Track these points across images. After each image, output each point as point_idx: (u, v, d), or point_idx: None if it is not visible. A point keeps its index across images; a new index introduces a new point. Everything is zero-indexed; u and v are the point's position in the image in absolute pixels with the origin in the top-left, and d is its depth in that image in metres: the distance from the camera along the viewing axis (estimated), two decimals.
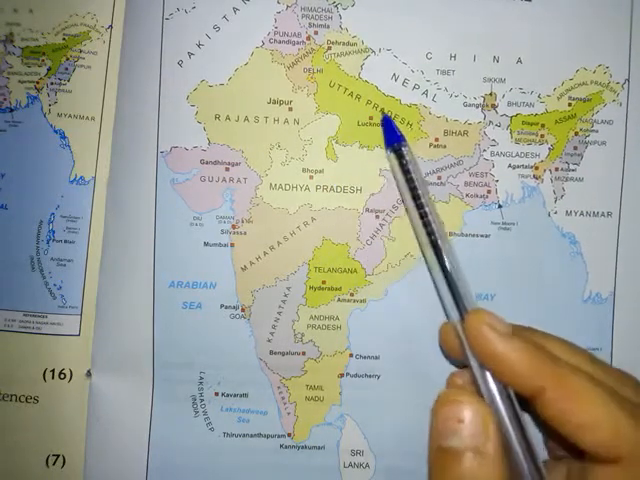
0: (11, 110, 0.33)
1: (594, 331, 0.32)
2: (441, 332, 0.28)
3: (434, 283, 0.28)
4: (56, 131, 0.32)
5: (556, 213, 0.32)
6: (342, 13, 0.32)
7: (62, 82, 0.33)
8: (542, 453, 0.28)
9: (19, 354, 0.32)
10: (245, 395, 0.32)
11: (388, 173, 0.32)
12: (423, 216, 0.27)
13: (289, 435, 0.32)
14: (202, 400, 0.32)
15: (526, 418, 0.24)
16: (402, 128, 0.32)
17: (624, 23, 0.32)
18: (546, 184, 0.32)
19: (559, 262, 0.32)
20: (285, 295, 0.32)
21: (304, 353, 0.32)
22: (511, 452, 0.23)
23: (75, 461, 0.32)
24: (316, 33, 0.32)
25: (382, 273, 0.32)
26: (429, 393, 0.31)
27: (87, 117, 0.33)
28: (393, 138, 0.29)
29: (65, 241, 0.32)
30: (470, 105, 0.32)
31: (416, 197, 0.28)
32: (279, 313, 0.32)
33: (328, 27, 0.32)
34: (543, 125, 0.32)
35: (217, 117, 0.32)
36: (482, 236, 0.32)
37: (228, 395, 0.32)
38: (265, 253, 0.32)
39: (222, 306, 0.32)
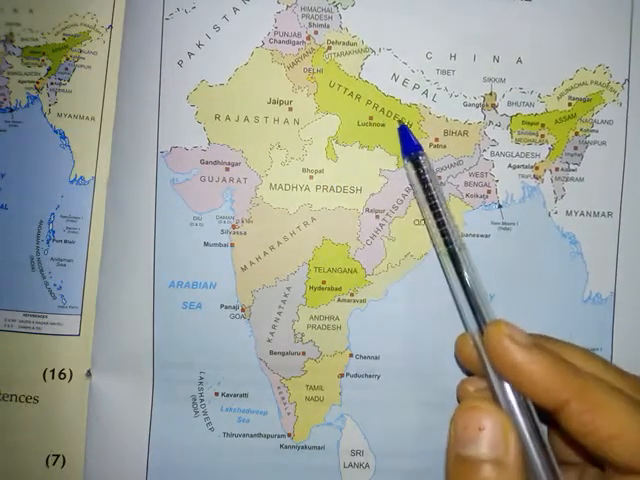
0: (11, 110, 0.33)
1: (594, 331, 0.32)
2: (457, 343, 0.28)
3: (452, 293, 0.28)
4: (56, 131, 0.32)
5: (556, 213, 0.32)
6: (342, 13, 0.32)
7: (62, 82, 0.33)
8: None
9: (19, 354, 0.32)
10: (245, 395, 0.32)
11: (388, 173, 0.32)
12: (441, 225, 0.28)
13: (289, 435, 0.32)
14: (202, 400, 0.32)
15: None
16: None
17: (624, 23, 0.32)
18: (546, 184, 0.32)
19: (559, 262, 0.32)
20: (285, 295, 0.32)
21: (304, 353, 0.32)
22: (530, 463, 0.23)
23: (75, 461, 0.32)
24: (316, 33, 0.32)
25: (382, 273, 0.32)
26: (429, 393, 0.32)
27: (87, 117, 0.33)
28: (410, 147, 0.30)
29: (65, 241, 0.32)
30: (470, 105, 0.32)
31: (433, 206, 0.28)
32: (279, 313, 0.32)
33: (328, 27, 0.32)
34: (543, 125, 0.32)
35: (217, 117, 0.32)
36: (482, 236, 0.32)
37: (228, 395, 0.32)
38: (265, 253, 0.32)
39: (222, 306, 0.32)
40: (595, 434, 0.21)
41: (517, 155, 0.32)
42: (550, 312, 0.32)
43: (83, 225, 0.32)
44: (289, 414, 0.32)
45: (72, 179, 0.32)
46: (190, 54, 0.32)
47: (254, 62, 0.32)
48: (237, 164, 0.32)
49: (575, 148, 0.32)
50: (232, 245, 0.32)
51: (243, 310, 0.32)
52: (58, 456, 0.32)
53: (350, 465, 0.32)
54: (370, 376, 0.32)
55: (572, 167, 0.32)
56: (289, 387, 0.32)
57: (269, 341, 0.32)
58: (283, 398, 0.32)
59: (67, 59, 0.33)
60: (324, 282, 0.32)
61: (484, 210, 0.32)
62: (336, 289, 0.32)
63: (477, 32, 0.32)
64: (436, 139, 0.32)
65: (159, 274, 0.32)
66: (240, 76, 0.32)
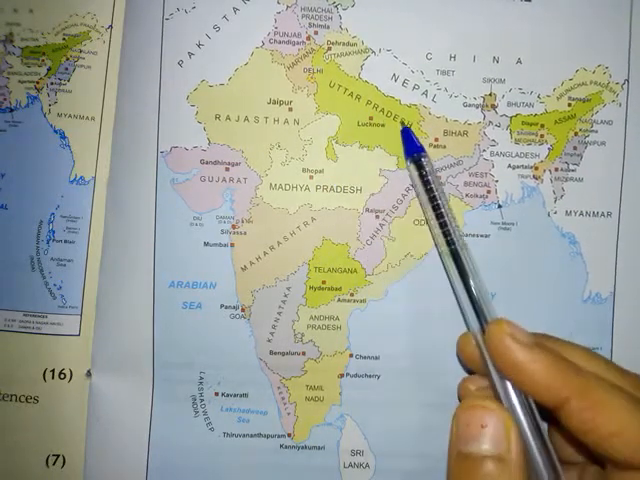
0: (11, 110, 0.33)
1: (594, 331, 0.32)
2: (459, 342, 0.29)
3: (454, 292, 0.28)
4: (56, 131, 0.32)
5: (556, 213, 0.32)
6: (342, 13, 0.32)
7: (62, 82, 0.33)
8: None
9: (19, 354, 0.32)
10: (245, 395, 0.32)
11: (388, 173, 0.32)
12: (443, 226, 0.28)
13: (289, 435, 0.32)
14: (202, 400, 0.32)
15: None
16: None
17: (624, 23, 0.32)
18: (546, 184, 0.32)
19: (559, 262, 0.32)
20: (285, 295, 0.32)
21: (304, 353, 0.32)
22: (531, 460, 0.23)
23: (75, 461, 0.32)
24: (316, 33, 0.32)
25: (382, 273, 0.32)
26: (429, 393, 0.32)
27: (87, 117, 0.33)
28: (413, 149, 0.30)
29: (65, 241, 0.32)
30: (470, 105, 0.32)
31: (436, 207, 0.28)
32: (279, 313, 0.32)
33: (328, 27, 0.32)
34: (543, 125, 0.32)
35: (217, 117, 0.32)
36: (482, 236, 0.32)
37: (228, 395, 0.32)
38: (265, 253, 0.32)
39: (222, 306, 0.32)
40: (595, 432, 0.22)
41: (517, 155, 0.32)
42: (550, 312, 0.32)
43: (83, 225, 0.32)
44: (289, 414, 0.32)
45: (72, 179, 0.32)
46: (190, 54, 0.32)
47: (254, 62, 0.32)
48: (237, 164, 0.32)
49: (574, 148, 0.32)
50: (232, 245, 0.32)
51: (243, 310, 0.32)
52: (58, 456, 0.32)
53: (350, 465, 0.32)
54: (370, 376, 0.32)
55: (571, 167, 0.32)
56: (289, 387, 0.32)
57: (269, 341, 0.32)
58: (283, 398, 0.32)
59: (67, 59, 0.33)
60: (324, 282, 0.32)
61: (484, 210, 0.32)
62: (336, 289, 0.32)
63: (477, 33, 0.32)
64: (436, 139, 0.32)
65: (159, 274, 0.32)
66: (240, 76, 0.32)
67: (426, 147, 0.32)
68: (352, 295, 0.32)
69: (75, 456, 0.32)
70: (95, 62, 0.33)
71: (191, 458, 0.32)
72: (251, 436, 0.32)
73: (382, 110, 0.32)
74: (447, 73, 0.32)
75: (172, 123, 0.32)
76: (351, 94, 0.32)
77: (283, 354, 0.32)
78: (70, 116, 0.33)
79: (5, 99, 0.33)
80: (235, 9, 0.32)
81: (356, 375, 0.32)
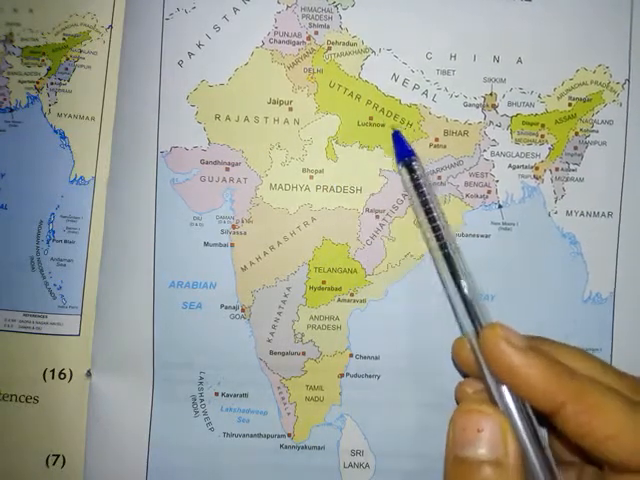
0: (11, 110, 0.33)
1: (594, 331, 0.32)
2: (454, 346, 0.28)
3: (447, 296, 0.28)
4: (56, 131, 0.32)
5: (556, 213, 0.32)
6: (342, 13, 0.32)
7: (62, 82, 0.33)
8: None
9: (19, 354, 0.32)
10: (245, 395, 0.32)
11: (388, 173, 0.32)
12: (436, 229, 0.28)
13: (289, 435, 0.32)
14: (202, 400, 0.32)
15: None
16: (402, 128, 0.32)
17: (624, 23, 0.32)
18: (546, 184, 0.32)
19: (559, 262, 0.32)
20: (285, 295, 0.32)
21: (304, 353, 0.32)
22: (528, 464, 0.23)
23: (75, 461, 0.32)
24: (316, 33, 0.32)
25: (382, 273, 0.32)
26: (429, 393, 0.32)
27: (87, 117, 0.33)
28: (404, 152, 0.30)
29: (65, 241, 0.32)
30: (470, 105, 0.32)
31: (428, 211, 0.28)
32: (279, 313, 0.32)
33: (328, 27, 0.32)
34: (543, 125, 0.32)
35: (217, 117, 0.32)
36: (482, 236, 0.32)
37: (228, 395, 0.32)
38: (265, 253, 0.32)
39: (222, 306, 0.32)
40: (591, 435, 0.22)
41: (517, 155, 0.32)
42: (550, 312, 0.32)
43: (83, 225, 0.32)
44: (289, 414, 0.32)
45: (72, 179, 0.32)
46: (190, 54, 0.32)
47: (254, 62, 0.32)
48: (237, 164, 0.32)
49: (575, 148, 0.32)
50: (232, 245, 0.32)
51: (243, 310, 0.32)
52: (58, 456, 0.32)
53: (350, 465, 0.32)
54: (370, 376, 0.32)
55: (572, 167, 0.32)
56: (289, 387, 0.32)
57: (269, 341, 0.32)
58: (283, 398, 0.32)
59: (67, 59, 0.33)
60: (324, 282, 0.32)
61: (484, 210, 0.32)
62: (336, 289, 0.32)
63: (477, 32, 0.32)
64: (436, 139, 0.32)
65: (159, 274, 0.32)
66: (240, 76, 0.32)
67: (426, 147, 0.32)
68: (352, 295, 0.32)
69: (75, 456, 0.32)
70: (95, 62, 0.33)
71: (191, 458, 0.32)
72: (251, 436, 0.32)
73: (382, 110, 0.32)
74: (447, 73, 0.32)
75: (172, 123, 0.32)
76: (351, 94, 0.32)
77: (283, 354, 0.32)
78: (70, 116, 0.33)
79: (5, 99, 0.33)
80: (235, 9, 0.32)
81: (356, 375, 0.32)
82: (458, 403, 0.28)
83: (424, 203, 0.28)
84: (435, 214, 0.28)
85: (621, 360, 0.32)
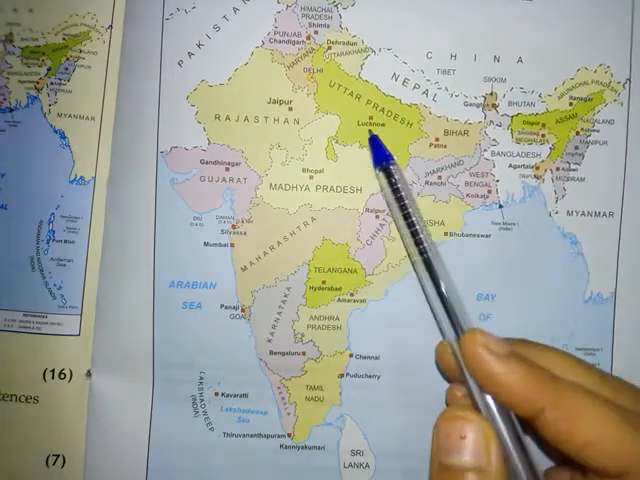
0: (11, 110, 0.33)
1: (595, 331, 0.32)
2: (437, 350, 0.28)
3: (427, 300, 0.28)
4: (56, 131, 0.32)
5: (557, 213, 0.32)
6: (342, 13, 0.32)
7: (62, 82, 0.33)
8: (546, 461, 0.28)
9: (19, 354, 0.32)
10: (245, 395, 0.32)
11: None
12: (414, 234, 0.28)
13: (289, 435, 0.32)
14: (202, 400, 0.32)
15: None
16: (402, 128, 0.32)
17: (625, 22, 0.32)
18: (547, 184, 0.32)
19: (560, 262, 0.32)
20: (285, 295, 0.32)
21: (304, 353, 0.32)
22: (512, 469, 0.23)
23: (75, 461, 0.32)
24: (316, 33, 0.32)
25: (382, 273, 0.32)
26: (429, 393, 0.32)
27: (87, 117, 0.33)
28: (382, 157, 0.30)
29: (65, 241, 0.32)
30: (471, 105, 0.32)
31: (407, 215, 0.28)
32: (279, 313, 0.32)
33: (328, 27, 0.32)
34: (544, 125, 0.32)
35: (217, 117, 0.32)
36: (483, 236, 0.32)
37: (228, 395, 0.32)
38: (265, 253, 0.32)
39: (222, 306, 0.32)
40: (571, 441, 0.22)
41: (518, 155, 0.32)
42: (551, 312, 0.32)
43: (83, 225, 0.32)
44: (289, 414, 0.32)
45: (72, 179, 0.32)
46: (190, 54, 0.32)
47: (254, 62, 0.32)
48: (237, 164, 0.32)
49: (576, 148, 0.32)
50: (232, 245, 0.32)
51: (243, 310, 0.32)
52: (58, 456, 0.32)
53: (350, 465, 0.32)
54: (370, 376, 0.32)
55: (573, 167, 0.32)
56: (289, 387, 0.32)
57: (269, 341, 0.32)
58: (283, 398, 0.32)
59: (67, 59, 0.33)
60: (324, 282, 0.32)
61: (485, 210, 0.32)
62: (336, 289, 0.32)
63: (478, 32, 0.32)
64: (436, 139, 0.32)
65: (159, 274, 0.32)
66: (240, 76, 0.32)
67: (426, 147, 0.32)
68: (352, 295, 0.32)
69: (75, 456, 0.32)
70: (95, 62, 0.33)
71: (191, 458, 0.32)
72: (251, 436, 0.32)
73: (382, 110, 0.32)
74: (448, 72, 0.32)
75: (172, 123, 0.32)
76: (351, 94, 0.32)
77: (283, 354, 0.32)
78: (70, 116, 0.33)
79: (5, 99, 0.33)
80: (235, 9, 0.32)
81: (356, 375, 0.32)
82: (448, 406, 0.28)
83: (402, 208, 0.28)
84: (414, 219, 0.28)
85: (622, 360, 0.32)
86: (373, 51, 0.32)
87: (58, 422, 0.32)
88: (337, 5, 0.32)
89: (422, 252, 0.27)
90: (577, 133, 0.32)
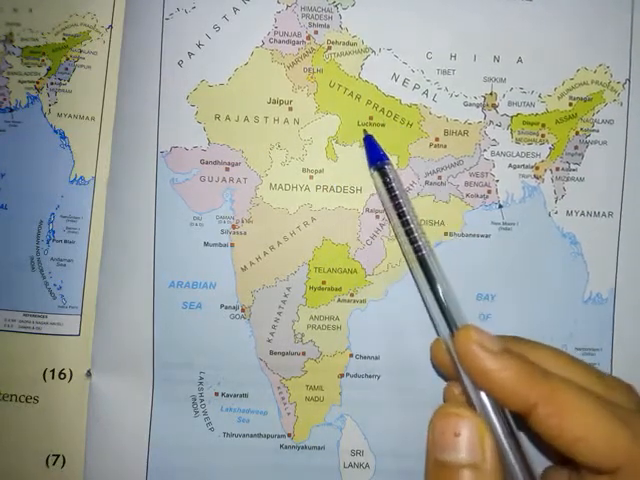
0: (11, 110, 0.33)
1: (594, 331, 0.32)
2: (432, 348, 0.28)
3: (422, 299, 0.28)
4: (56, 131, 0.32)
5: (557, 213, 0.32)
6: (342, 13, 0.32)
7: (62, 82, 0.33)
8: (546, 461, 0.28)
9: (19, 354, 0.32)
10: (245, 395, 0.32)
11: None
12: (409, 233, 0.28)
13: (289, 435, 0.32)
14: (202, 400, 0.32)
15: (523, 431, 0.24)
16: (402, 128, 0.32)
17: (625, 23, 0.32)
18: (547, 184, 0.32)
19: (560, 262, 0.32)
20: (285, 295, 0.32)
21: (304, 353, 0.32)
22: (507, 465, 0.23)
23: (75, 461, 0.32)
24: (316, 33, 0.32)
25: (382, 273, 0.32)
26: (429, 393, 0.32)
27: (87, 117, 0.33)
28: (377, 157, 0.30)
29: (65, 241, 0.32)
30: (470, 105, 0.32)
31: (401, 214, 0.28)
32: (279, 313, 0.32)
33: (328, 27, 0.32)
34: (544, 125, 0.32)
35: (217, 117, 0.32)
36: (482, 236, 0.32)
37: (228, 395, 0.32)
38: (265, 253, 0.32)
39: (222, 306, 0.32)
40: (562, 437, 0.22)
41: (517, 155, 0.32)
42: (550, 312, 0.32)
43: (83, 225, 0.32)
44: (289, 414, 0.32)
45: (72, 179, 0.32)
46: (190, 54, 0.32)
47: (254, 62, 0.32)
48: (237, 164, 0.32)
49: (576, 148, 0.32)
50: (232, 245, 0.32)
51: (243, 310, 0.32)
52: (58, 456, 0.32)
53: (350, 465, 0.32)
54: (370, 376, 0.32)
55: (573, 167, 0.32)
56: (289, 387, 0.32)
57: (269, 341, 0.32)
58: (283, 398, 0.32)
59: (67, 59, 0.33)
60: (324, 282, 0.32)
61: (484, 210, 0.32)
62: (336, 289, 0.32)
63: (477, 32, 0.32)
64: (436, 139, 0.32)
65: (159, 274, 0.32)
66: (240, 76, 0.32)
67: (426, 147, 0.32)
68: (352, 295, 0.32)
69: (75, 456, 0.32)
70: (95, 62, 0.33)
71: (191, 458, 0.32)
72: (251, 436, 0.32)
73: (382, 110, 0.32)
74: (447, 72, 0.32)
75: (172, 123, 0.32)
76: (351, 94, 0.32)
77: (283, 354, 0.32)
78: (70, 116, 0.33)
79: (5, 99, 0.33)
80: (235, 9, 0.32)
81: (356, 375, 0.32)
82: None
83: (397, 207, 0.28)
84: (408, 217, 0.28)
85: (621, 360, 0.32)
86: (373, 51, 0.32)
87: (58, 422, 0.32)
88: (337, 5, 0.32)
89: (416, 250, 0.27)
90: (577, 133, 0.32)
